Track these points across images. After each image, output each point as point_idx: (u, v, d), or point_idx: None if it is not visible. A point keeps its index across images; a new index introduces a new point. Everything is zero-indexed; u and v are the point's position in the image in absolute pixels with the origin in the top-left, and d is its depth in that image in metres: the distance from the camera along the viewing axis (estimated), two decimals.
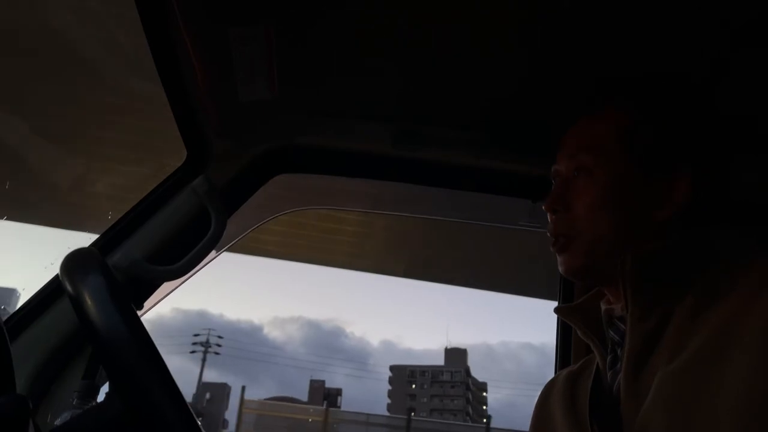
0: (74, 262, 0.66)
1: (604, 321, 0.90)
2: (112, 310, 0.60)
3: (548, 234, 0.92)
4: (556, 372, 1.32)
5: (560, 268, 0.91)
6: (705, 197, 0.85)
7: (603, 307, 0.91)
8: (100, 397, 0.94)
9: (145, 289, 1.10)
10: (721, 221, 0.88)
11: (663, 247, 0.81)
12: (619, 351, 0.85)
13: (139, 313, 1.11)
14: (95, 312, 0.60)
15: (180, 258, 1.09)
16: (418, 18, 0.92)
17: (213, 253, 1.14)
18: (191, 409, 0.59)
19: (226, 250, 1.32)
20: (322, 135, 1.24)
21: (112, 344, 0.59)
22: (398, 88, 1.12)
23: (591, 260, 0.87)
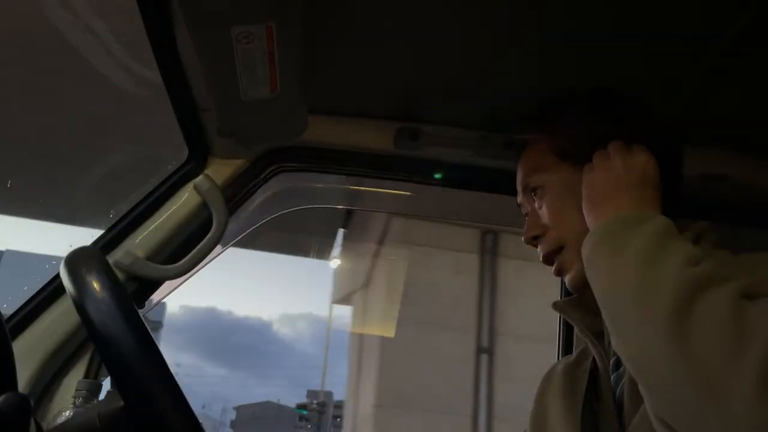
0: (76, 260, 0.66)
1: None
2: (114, 309, 0.60)
3: (542, 262, 0.96)
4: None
5: (568, 286, 0.94)
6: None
7: None
8: (102, 396, 0.94)
9: (146, 287, 1.10)
10: (721, 223, 0.88)
11: None
12: None
13: (140, 311, 1.11)
14: (97, 311, 0.60)
15: (182, 256, 1.09)
16: (419, 18, 0.92)
17: (215, 251, 1.14)
18: (192, 408, 0.59)
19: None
20: (323, 134, 1.24)
21: (114, 343, 0.59)
22: (399, 87, 1.12)
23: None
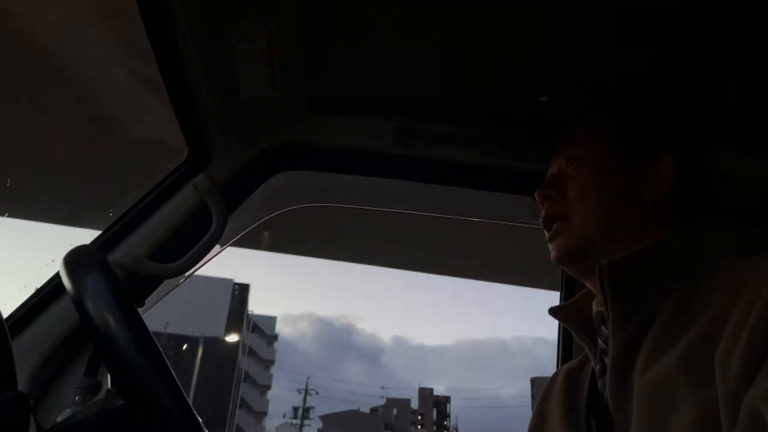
0: (75, 259, 0.66)
1: (596, 324, 0.90)
2: (114, 307, 0.60)
3: (541, 224, 0.94)
4: (558, 367, 1.33)
5: (552, 254, 0.92)
6: (691, 182, 0.88)
7: (594, 309, 0.91)
8: (102, 394, 0.94)
9: (146, 286, 1.10)
10: (707, 218, 0.89)
11: (642, 250, 0.81)
12: (605, 359, 0.85)
13: (140, 310, 1.11)
14: (96, 309, 0.60)
15: (181, 255, 1.09)
16: (419, 16, 0.92)
17: (214, 250, 1.14)
18: (191, 405, 0.59)
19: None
20: (323, 132, 1.24)
21: (113, 342, 0.59)
22: (400, 85, 1.12)
23: (583, 244, 0.88)
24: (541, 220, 0.94)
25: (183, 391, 0.59)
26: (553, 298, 1.53)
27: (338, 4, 0.90)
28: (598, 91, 1.01)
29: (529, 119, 1.15)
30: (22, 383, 0.94)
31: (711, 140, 0.93)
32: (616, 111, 0.95)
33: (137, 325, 0.60)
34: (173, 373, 0.59)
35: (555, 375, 1.06)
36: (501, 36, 0.95)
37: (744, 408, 0.60)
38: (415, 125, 1.22)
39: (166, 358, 0.59)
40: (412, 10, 0.91)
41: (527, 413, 1.09)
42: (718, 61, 0.95)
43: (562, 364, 1.30)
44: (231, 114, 1.12)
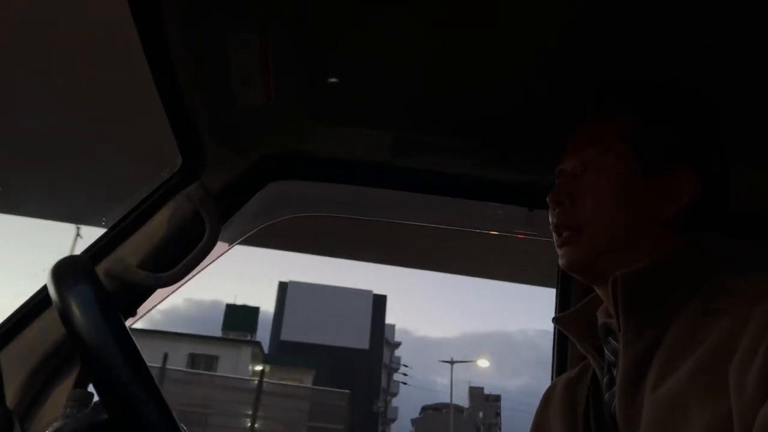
0: (62, 270, 0.65)
1: (601, 335, 0.89)
2: (99, 320, 0.59)
3: (551, 229, 0.91)
4: (552, 378, 1.31)
5: (561, 262, 0.89)
6: (712, 199, 0.85)
7: (600, 320, 0.90)
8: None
9: (138, 295, 1.09)
10: (720, 232, 0.87)
11: (656, 262, 0.79)
12: (614, 371, 0.83)
13: (132, 319, 1.10)
14: (81, 322, 0.59)
15: (174, 264, 1.08)
16: (417, 27, 0.91)
17: (207, 259, 1.14)
18: (176, 419, 0.58)
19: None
20: (318, 142, 1.23)
21: (98, 355, 0.58)
22: (396, 96, 1.12)
23: (595, 254, 0.86)
24: (551, 226, 0.91)
25: (168, 404, 0.58)
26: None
27: (333, 13, 0.90)
28: (599, 100, 1.00)
29: (525, 130, 1.15)
30: (11, 395, 0.93)
31: (730, 152, 0.88)
32: (634, 115, 0.90)
33: (123, 339, 0.59)
34: (158, 386, 0.58)
35: (553, 386, 1.05)
36: (498, 48, 0.95)
37: (758, 424, 0.59)
38: (411, 136, 1.21)
39: (150, 371, 0.59)
40: (407, 20, 0.90)
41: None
42: (720, 68, 0.94)
43: (557, 374, 1.28)
44: (225, 123, 1.11)
